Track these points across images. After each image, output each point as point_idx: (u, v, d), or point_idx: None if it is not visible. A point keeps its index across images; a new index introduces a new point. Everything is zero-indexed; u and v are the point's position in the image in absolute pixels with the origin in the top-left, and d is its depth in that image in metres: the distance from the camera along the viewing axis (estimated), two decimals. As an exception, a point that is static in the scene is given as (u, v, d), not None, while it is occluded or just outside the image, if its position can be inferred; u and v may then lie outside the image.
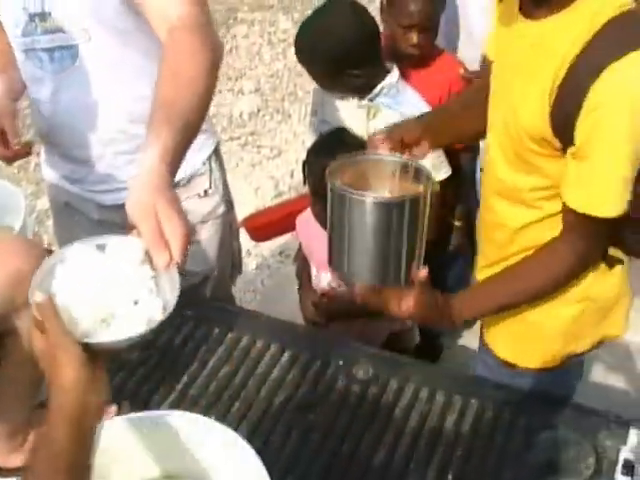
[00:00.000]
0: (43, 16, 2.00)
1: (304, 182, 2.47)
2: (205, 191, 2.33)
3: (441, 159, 2.54)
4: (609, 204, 1.59)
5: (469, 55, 2.75)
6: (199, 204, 2.32)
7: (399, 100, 2.51)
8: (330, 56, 2.47)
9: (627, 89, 1.48)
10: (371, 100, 2.52)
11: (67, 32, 2.01)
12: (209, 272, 2.46)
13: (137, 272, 1.25)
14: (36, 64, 2.08)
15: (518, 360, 1.97)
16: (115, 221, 2.15)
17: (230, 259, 2.56)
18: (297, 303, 2.73)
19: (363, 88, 2.51)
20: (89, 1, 1.96)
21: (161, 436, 1.49)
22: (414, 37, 2.61)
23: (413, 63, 2.69)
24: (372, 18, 2.53)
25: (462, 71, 2.73)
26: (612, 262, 1.82)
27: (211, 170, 2.33)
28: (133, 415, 1.55)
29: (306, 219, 2.55)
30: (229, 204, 2.46)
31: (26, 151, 2.23)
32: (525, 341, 1.95)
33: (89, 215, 2.34)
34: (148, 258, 1.26)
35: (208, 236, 2.40)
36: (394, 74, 2.52)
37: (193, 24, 1.67)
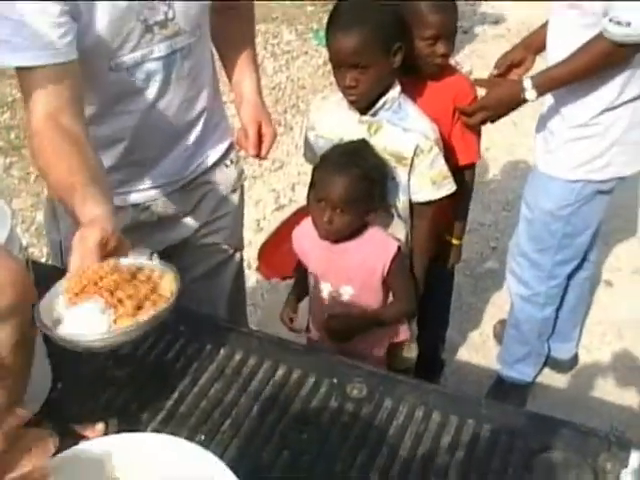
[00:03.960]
0: (164, 23, 2.01)
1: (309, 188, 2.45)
2: (231, 160, 2.50)
3: (444, 174, 2.49)
4: None
5: None
6: (229, 173, 2.50)
7: (401, 116, 2.45)
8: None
9: None
10: (373, 115, 2.46)
11: (185, 33, 2.08)
12: (236, 246, 2.63)
13: None
14: (141, 77, 2.07)
15: None
16: (143, 220, 2.34)
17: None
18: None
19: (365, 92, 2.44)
20: None
21: (142, 459, 1.43)
22: (441, 47, 2.56)
23: (426, 76, 2.64)
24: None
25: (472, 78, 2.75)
26: None
27: (233, 142, 2.53)
28: (115, 436, 1.51)
29: (302, 232, 2.51)
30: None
31: None
32: None
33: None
34: None
35: (235, 207, 2.57)
36: (396, 88, 2.46)
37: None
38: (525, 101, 2.64)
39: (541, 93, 2.63)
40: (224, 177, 2.48)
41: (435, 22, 2.53)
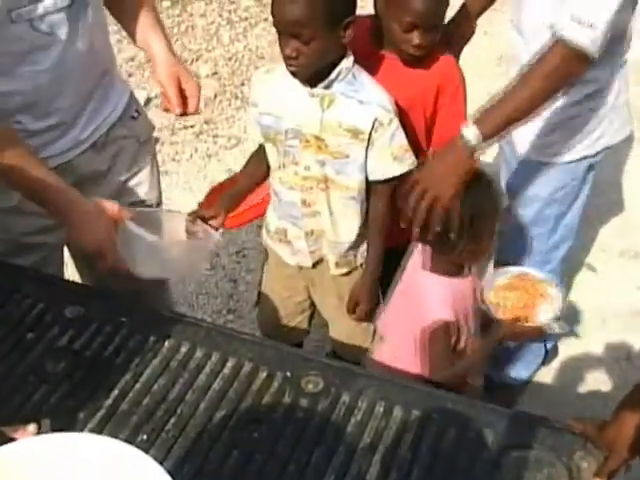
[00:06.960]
0: None
1: None
2: (137, 111, 2.59)
3: (405, 147, 2.47)
4: None
5: None
6: (137, 125, 2.58)
7: (356, 87, 2.40)
8: None
9: None
10: (326, 87, 2.43)
11: None
12: (156, 200, 2.72)
13: None
14: (44, 30, 2.09)
15: None
16: None
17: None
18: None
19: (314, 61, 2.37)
20: None
21: (73, 463, 1.40)
22: (416, 38, 2.47)
23: (409, 61, 2.59)
24: None
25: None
26: None
27: (132, 93, 2.61)
28: (47, 436, 1.48)
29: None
30: None
31: None
32: None
33: None
34: None
35: (150, 160, 2.66)
36: (349, 58, 2.41)
37: None
38: (473, 159, 2.28)
39: (490, 137, 2.28)
40: (133, 129, 2.54)
41: (416, 10, 2.42)
